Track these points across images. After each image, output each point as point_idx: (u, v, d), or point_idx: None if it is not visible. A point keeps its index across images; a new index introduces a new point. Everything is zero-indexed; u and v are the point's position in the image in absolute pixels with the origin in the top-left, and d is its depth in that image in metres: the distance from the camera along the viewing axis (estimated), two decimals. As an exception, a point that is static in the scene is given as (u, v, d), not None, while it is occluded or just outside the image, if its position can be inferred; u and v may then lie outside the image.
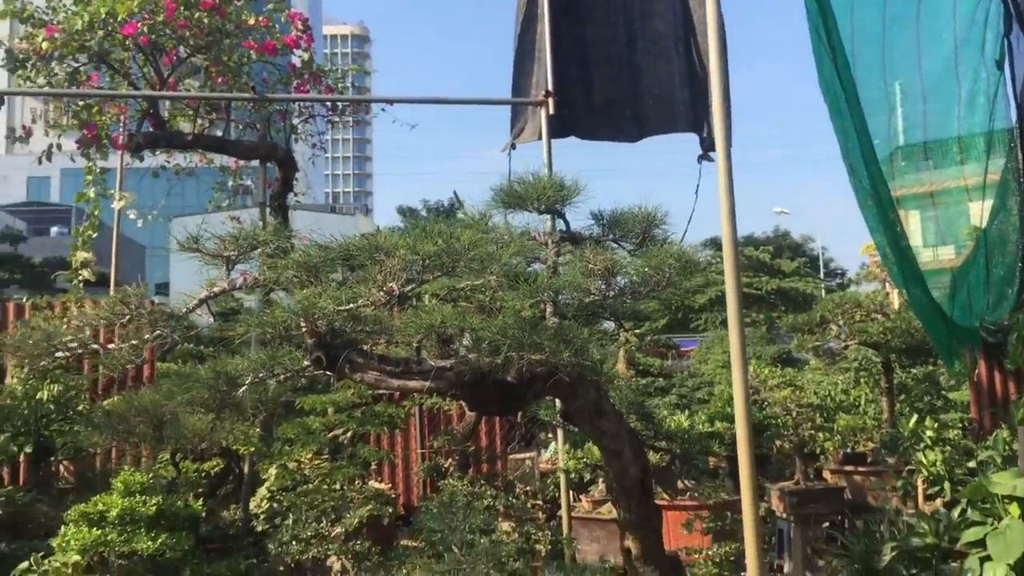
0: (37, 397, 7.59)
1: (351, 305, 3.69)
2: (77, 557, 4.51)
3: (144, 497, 5.21)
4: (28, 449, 7.59)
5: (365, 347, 4.29)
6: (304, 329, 4.02)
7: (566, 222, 4.76)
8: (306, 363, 4.41)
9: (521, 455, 10.84)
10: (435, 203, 62.01)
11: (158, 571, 5.25)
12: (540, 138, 7.89)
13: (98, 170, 9.55)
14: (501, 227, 4.36)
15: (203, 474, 7.59)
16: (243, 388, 4.56)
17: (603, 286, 3.98)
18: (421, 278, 3.79)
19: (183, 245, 4.03)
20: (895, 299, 12.16)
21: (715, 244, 26.84)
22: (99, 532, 5.03)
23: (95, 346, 3.90)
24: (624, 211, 4.68)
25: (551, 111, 7.51)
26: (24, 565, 4.58)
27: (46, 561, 4.56)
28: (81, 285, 10.22)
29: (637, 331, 12.11)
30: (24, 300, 10.49)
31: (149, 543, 5.01)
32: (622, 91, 7.44)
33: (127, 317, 3.96)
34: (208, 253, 4.13)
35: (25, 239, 22.21)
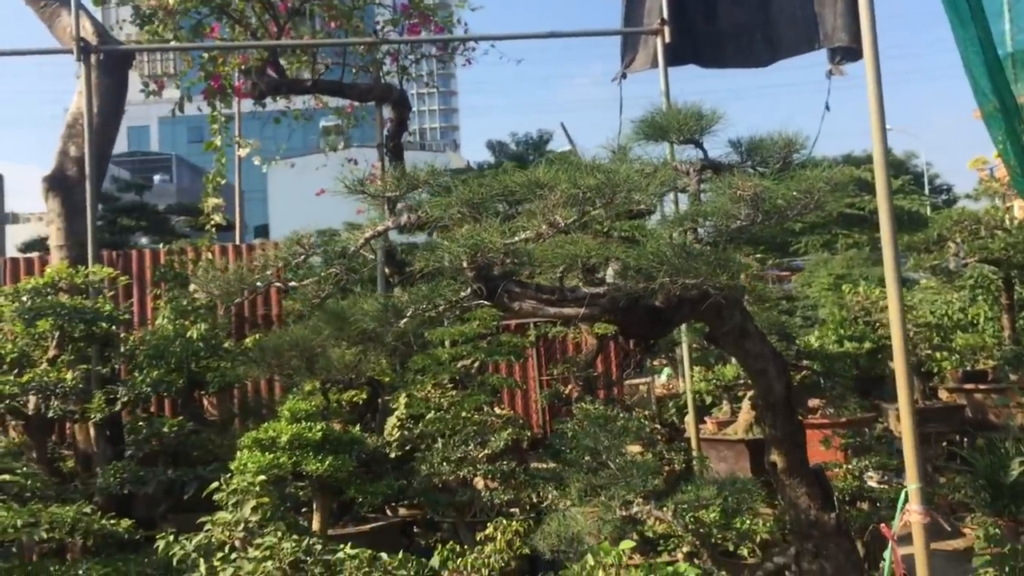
0: (187, 335, 8.06)
1: (516, 239, 3.91)
2: (263, 477, 4.92)
3: (310, 424, 5.60)
4: (180, 384, 8.13)
5: (519, 277, 4.53)
6: (465, 263, 4.28)
7: (704, 151, 4.87)
8: (463, 294, 4.70)
9: (636, 381, 11.08)
10: (524, 136, 61.78)
11: (325, 490, 5.67)
12: (654, 66, 7.89)
13: (223, 119, 9.94)
14: (646, 158, 4.51)
15: (346, 404, 8.01)
16: (405, 319, 4.88)
17: (751, 212, 4.10)
18: (583, 210, 3.99)
19: (350, 188, 4.29)
20: (1018, 213, 11.88)
21: (845, 162, 26.31)
22: (271, 456, 5.45)
23: (278, 284, 4.21)
24: (762, 137, 4.77)
25: (667, 39, 7.52)
26: (215, 485, 5.00)
27: (233, 481, 4.98)
28: (213, 230, 10.73)
29: (758, 255, 12.12)
30: (161, 247, 11.05)
31: (318, 465, 5.42)
32: (752, 15, 7.36)
33: (303, 256, 4.26)
34: (371, 194, 4.38)
35: (149, 188, 23.15)
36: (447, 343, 8.69)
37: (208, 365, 8.14)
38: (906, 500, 3.45)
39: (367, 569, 4.45)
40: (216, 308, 9.49)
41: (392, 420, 8.35)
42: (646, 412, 9.80)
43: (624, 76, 8.24)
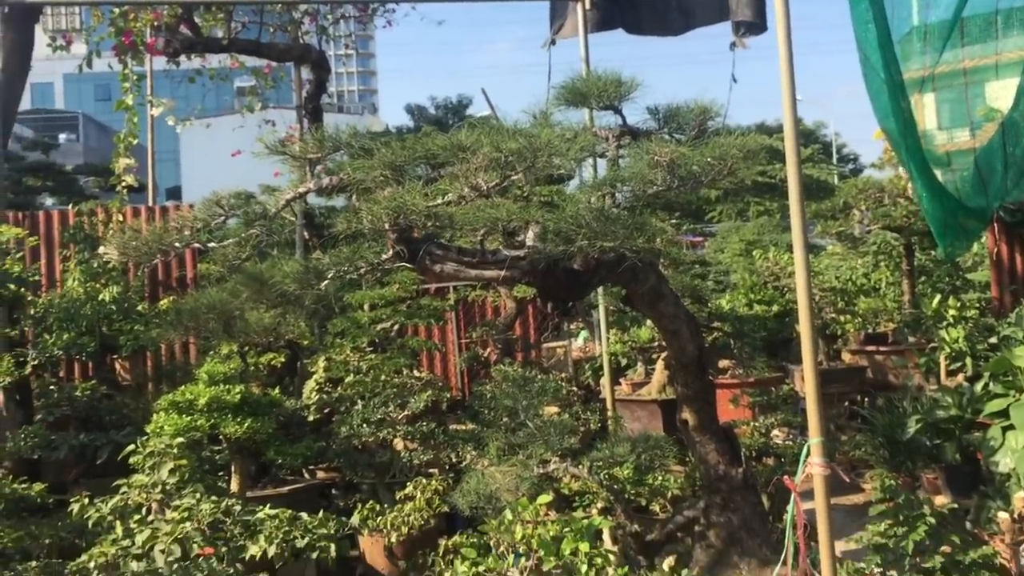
0: (99, 298, 7.90)
1: (439, 201, 3.96)
2: (181, 439, 4.90)
3: (228, 386, 5.58)
4: (91, 348, 7.97)
5: (441, 240, 4.58)
6: (387, 225, 4.31)
7: (623, 117, 4.98)
8: (385, 256, 4.73)
9: (553, 344, 11.25)
10: (444, 101, 61.26)
11: (243, 452, 5.67)
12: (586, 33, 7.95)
13: (135, 77, 9.68)
14: (566, 124, 4.58)
15: (265, 367, 7.96)
16: (326, 281, 4.89)
17: (668, 177, 4.22)
18: (505, 174, 4.05)
19: (272, 148, 4.27)
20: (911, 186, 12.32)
21: (758, 131, 26.72)
22: (189, 419, 5.42)
23: (198, 245, 4.18)
24: (679, 105, 4.89)
25: (588, 6, 7.59)
26: (131, 448, 4.96)
27: (149, 444, 4.95)
28: (125, 191, 10.46)
29: (674, 221, 12.36)
30: (70, 208, 10.73)
31: (236, 427, 5.41)
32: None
33: (222, 218, 4.23)
34: (293, 156, 4.37)
35: (56, 146, 22.27)
36: (367, 307, 8.70)
37: (121, 328, 7.99)
38: (808, 454, 3.63)
39: (287, 528, 4.49)
40: (129, 271, 9.30)
41: (311, 384, 8.34)
42: (563, 375, 9.98)
43: (553, 42, 8.28)
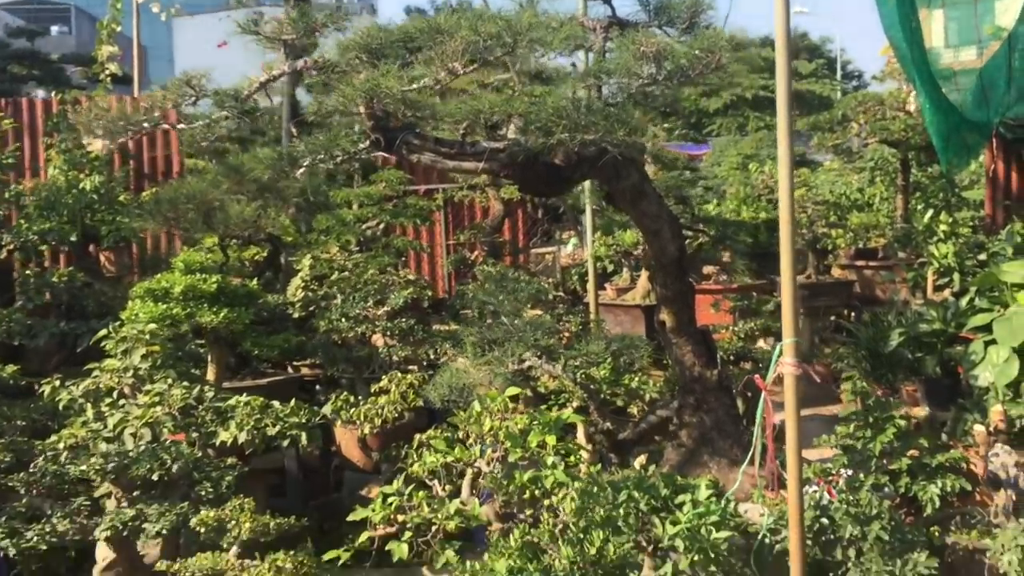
0: (80, 187, 7.79)
1: (415, 85, 3.83)
2: (153, 326, 4.86)
3: (204, 276, 5.52)
4: (74, 238, 7.89)
5: (420, 130, 4.47)
6: (363, 112, 4.19)
7: (612, 8, 4.81)
8: (363, 145, 4.62)
9: (542, 250, 11.19)
10: (444, 2, 59.96)
11: (220, 343, 5.64)
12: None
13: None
14: (552, 13, 4.43)
15: (247, 261, 7.91)
16: (301, 170, 4.79)
17: (653, 70, 4.09)
18: (483, 58, 3.92)
19: (244, 28, 4.13)
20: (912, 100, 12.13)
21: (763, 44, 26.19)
22: (164, 306, 5.37)
23: (167, 125, 4.07)
24: (670, -4, 4.72)
25: None
26: (103, 333, 4.93)
27: (123, 329, 4.91)
28: (108, 80, 10.23)
29: (666, 126, 12.15)
30: (54, 95, 10.51)
31: (212, 316, 5.36)
32: None
33: (192, 99, 4.11)
34: (267, 36, 4.22)
35: (43, 34, 21.71)
36: (356, 206, 8.60)
37: (103, 219, 7.92)
38: (780, 354, 3.59)
39: (258, 415, 4.48)
40: (113, 162, 9.16)
41: (296, 281, 8.30)
42: (550, 280, 9.95)
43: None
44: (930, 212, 9.21)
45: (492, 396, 3.87)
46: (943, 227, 8.60)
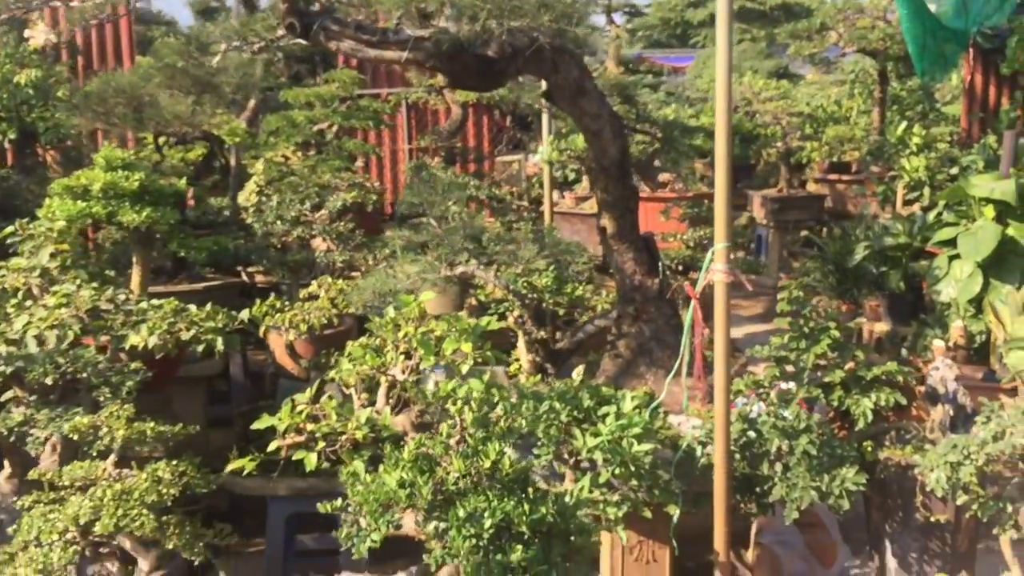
0: (15, 81, 7.42)
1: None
2: (62, 223, 4.59)
3: (127, 173, 5.22)
4: (12, 135, 7.56)
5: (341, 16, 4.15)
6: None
7: None
8: (280, 32, 4.30)
9: (509, 158, 10.88)
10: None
11: (144, 244, 5.38)
12: None
13: None
14: None
15: (188, 162, 7.59)
16: (217, 58, 4.48)
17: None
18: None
19: None
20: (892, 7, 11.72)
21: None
22: (84, 204, 5.08)
23: (57, 3, 3.73)
24: None
25: None
26: (10, 229, 4.66)
27: (32, 226, 4.64)
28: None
29: (629, 27, 11.71)
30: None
31: (134, 216, 5.08)
32: None
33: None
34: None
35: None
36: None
37: (42, 116, 7.58)
38: (712, 260, 3.37)
39: (171, 320, 4.25)
40: (60, 58, 8.76)
41: (250, 185, 7.99)
42: (513, 188, 9.67)
43: None
44: (904, 124, 8.93)
45: (406, 301, 3.64)
46: (916, 140, 8.34)
